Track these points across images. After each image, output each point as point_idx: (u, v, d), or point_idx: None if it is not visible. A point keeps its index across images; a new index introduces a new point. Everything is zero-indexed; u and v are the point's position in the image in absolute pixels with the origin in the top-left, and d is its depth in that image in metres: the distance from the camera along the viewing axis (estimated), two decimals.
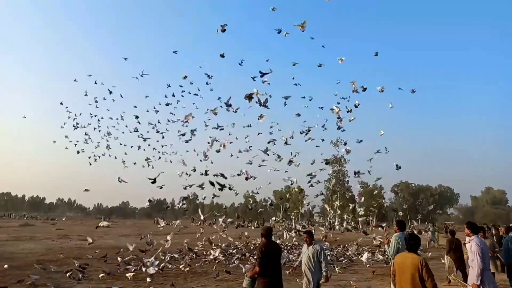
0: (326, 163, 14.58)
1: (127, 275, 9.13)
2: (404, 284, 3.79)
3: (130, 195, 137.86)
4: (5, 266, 10.01)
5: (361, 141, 16.53)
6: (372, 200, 61.16)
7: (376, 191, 58.91)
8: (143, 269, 9.78)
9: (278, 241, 14.26)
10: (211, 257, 12.58)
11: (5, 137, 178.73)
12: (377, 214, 58.17)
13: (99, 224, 16.89)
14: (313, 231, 7.08)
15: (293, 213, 57.15)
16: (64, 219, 62.32)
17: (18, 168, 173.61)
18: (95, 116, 21.57)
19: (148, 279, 8.67)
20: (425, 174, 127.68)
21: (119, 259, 11.31)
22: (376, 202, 60.89)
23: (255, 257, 5.03)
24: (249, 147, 16.82)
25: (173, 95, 18.99)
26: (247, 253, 13.98)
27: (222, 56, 13.99)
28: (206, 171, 14.00)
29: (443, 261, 10.43)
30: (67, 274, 8.87)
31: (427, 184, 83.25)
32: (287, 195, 63.76)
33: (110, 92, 20.09)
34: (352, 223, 40.28)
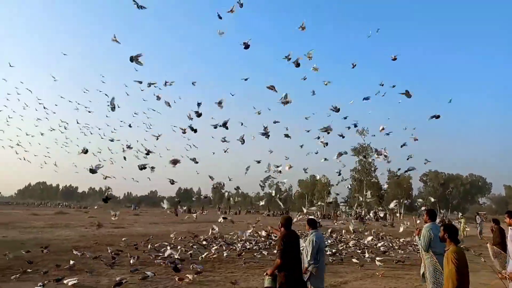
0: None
1: (157, 261, 9.45)
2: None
3: (159, 184, 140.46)
4: (45, 251, 10.53)
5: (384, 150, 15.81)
6: (399, 189, 60.07)
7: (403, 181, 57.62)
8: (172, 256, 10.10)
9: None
10: (239, 245, 12.81)
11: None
12: (405, 204, 56.86)
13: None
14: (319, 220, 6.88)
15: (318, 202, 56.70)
16: (95, 207, 64.56)
17: (53, 159, 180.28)
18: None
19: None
20: (455, 163, 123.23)
21: (149, 246, 11.69)
22: (403, 190, 59.85)
23: (276, 249, 4.94)
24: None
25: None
26: (272, 242, 14.08)
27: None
28: None
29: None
30: (102, 260, 9.26)
31: (458, 173, 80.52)
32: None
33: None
34: (380, 212, 39.85)
